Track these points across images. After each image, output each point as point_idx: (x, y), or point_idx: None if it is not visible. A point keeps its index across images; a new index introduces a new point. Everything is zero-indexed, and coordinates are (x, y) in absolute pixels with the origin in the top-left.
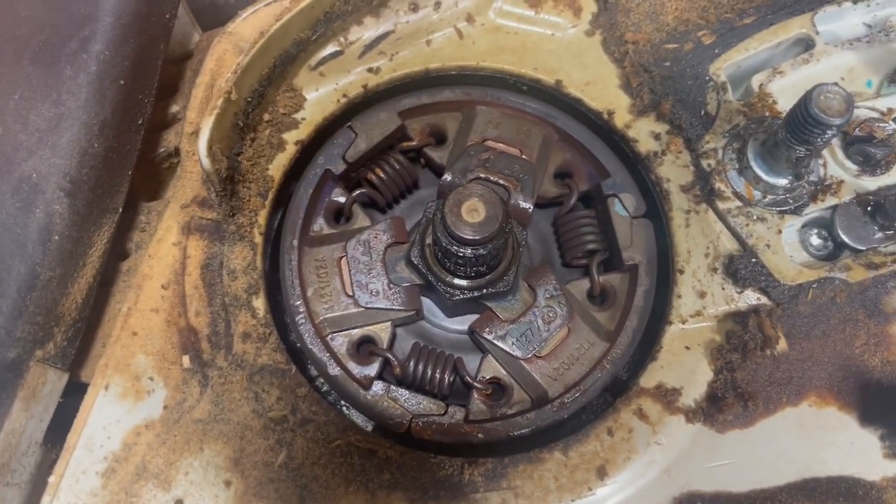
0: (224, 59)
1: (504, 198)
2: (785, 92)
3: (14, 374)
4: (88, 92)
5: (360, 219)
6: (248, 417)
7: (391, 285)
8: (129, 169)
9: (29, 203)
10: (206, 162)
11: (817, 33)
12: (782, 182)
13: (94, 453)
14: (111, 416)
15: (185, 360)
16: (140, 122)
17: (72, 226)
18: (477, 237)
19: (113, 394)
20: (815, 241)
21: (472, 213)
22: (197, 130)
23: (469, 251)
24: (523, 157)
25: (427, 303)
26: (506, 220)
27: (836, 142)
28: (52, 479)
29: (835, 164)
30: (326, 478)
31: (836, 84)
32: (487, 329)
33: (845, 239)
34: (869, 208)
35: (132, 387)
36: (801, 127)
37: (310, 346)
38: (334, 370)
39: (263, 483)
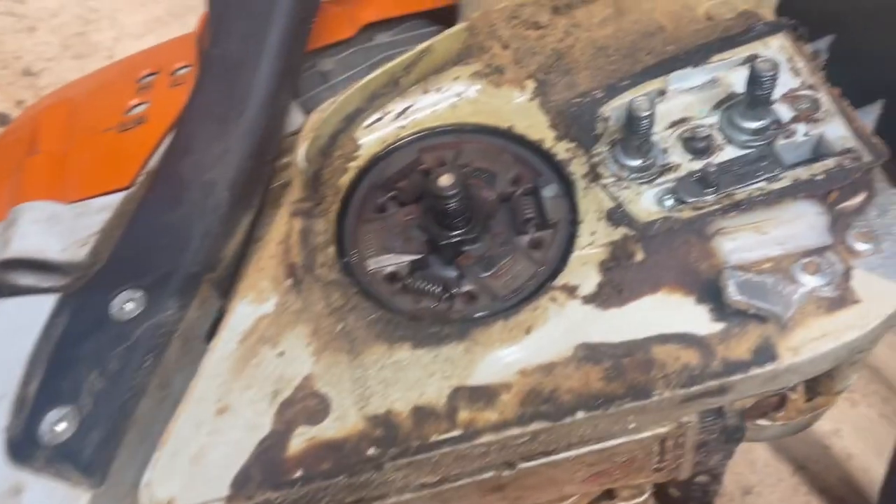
0: (316, 119)
1: (475, 191)
2: None
3: (195, 283)
4: (242, 138)
5: (392, 209)
6: (322, 308)
7: (409, 241)
8: (262, 182)
9: (208, 193)
10: (304, 164)
11: (669, 86)
12: (636, 163)
13: (235, 331)
14: (244, 312)
15: (288, 281)
16: (269, 157)
17: (229, 207)
18: (450, 192)
19: (247, 301)
20: (668, 202)
21: (446, 179)
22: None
23: (445, 203)
24: (490, 169)
25: (431, 259)
26: (465, 182)
27: (677, 141)
28: (210, 346)
29: (675, 154)
30: (364, 336)
31: (644, 96)
32: (465, 261)
33: (683, 196)
34: (695, 178)
35: (258, 296)
36: (630, 123)
37: (359, 274)
38: (372, 286)
39: (329, 341)
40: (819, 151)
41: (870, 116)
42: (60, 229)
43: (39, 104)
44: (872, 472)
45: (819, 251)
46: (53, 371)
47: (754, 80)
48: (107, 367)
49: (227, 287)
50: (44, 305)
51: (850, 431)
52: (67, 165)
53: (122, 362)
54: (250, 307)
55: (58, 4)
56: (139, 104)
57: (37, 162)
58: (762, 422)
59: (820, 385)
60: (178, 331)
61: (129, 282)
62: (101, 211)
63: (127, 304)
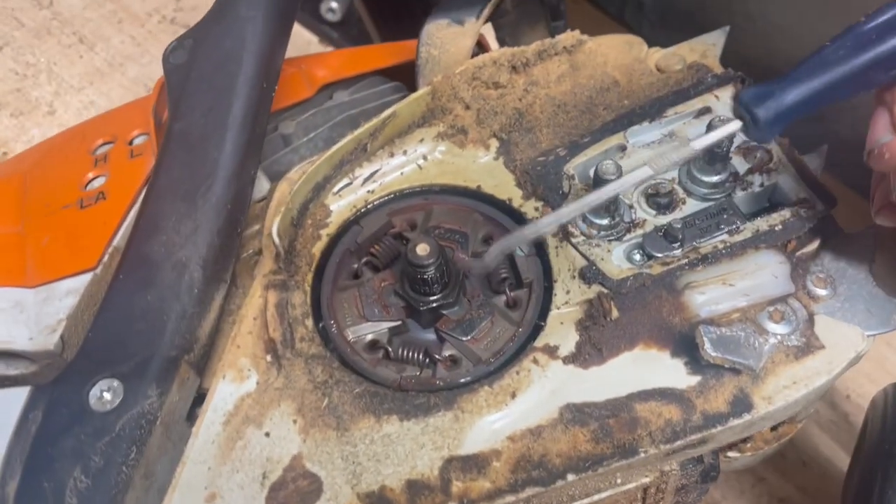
0: (285, 190)
1: (449, 254)
2: None
3: (173, 366)
4: (211, 214)
5: (367, 275)
6: (305, 383)
7: (387, 308)
8: (233, 256)
9: (181, 272)
10: (276, 240)
11: (628, 141)
12: (604, 221)
13: (217, 412)
14: (226, 391)
15: (268, 357)
16: (239, 230)
17: (203, 285)
18: (427, 261)
19: (227, 379)
20: (636, 257)
21: (423, 249)
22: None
23: (423, 272)
24: (461, 230)
25: (410, 323)
26: (442, 252)
27: (641, 197)
28: (194, 430)
29: (640, 210)
30: (351, 411)
31: (610, 160)
32: (444, 326)
33: (651, 252)
34: (661, 233)
35: (238, 375)
36: (598, 186)
37: (339, 345)
38: (354, 357)
39: (315, 418)
40: (774, 200)
41: (816, 162)
42: (26, 317)
43: None
44: (827, 479)
45: (782, 299)
46: (33, 470)
47: None
48: (90, 463)
49: (203, 365)
50: (15, 399)
51: (803, 440)
52: (27, 247)
53: (105, 457)
54: (231, 386)
55: None
56: (96, 177)
57: None
58: (731, 454)
59: None
60: (159, 417)
61: (105, 370)
62: (68, 295)
63: (105, 394)
